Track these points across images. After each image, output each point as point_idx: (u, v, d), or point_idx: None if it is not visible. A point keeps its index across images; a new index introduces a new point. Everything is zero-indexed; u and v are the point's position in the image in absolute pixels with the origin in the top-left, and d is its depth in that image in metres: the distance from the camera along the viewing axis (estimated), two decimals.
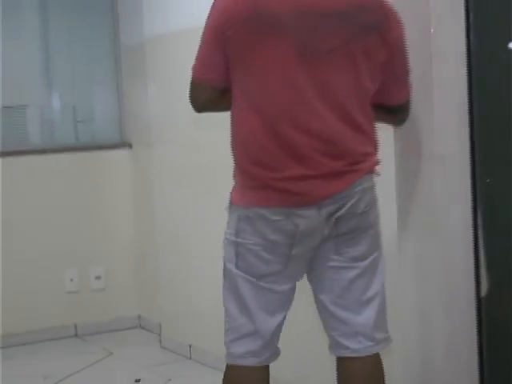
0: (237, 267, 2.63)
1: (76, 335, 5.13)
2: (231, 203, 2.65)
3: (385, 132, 2.95)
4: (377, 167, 2.64)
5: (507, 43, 2.38)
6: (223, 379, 2.70)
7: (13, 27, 5.22)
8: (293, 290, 2.68)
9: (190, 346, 4.43)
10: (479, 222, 2.33)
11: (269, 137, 2.53)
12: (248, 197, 2.60)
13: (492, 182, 2.42)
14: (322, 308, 2.71)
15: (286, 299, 2.67)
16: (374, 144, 2.64)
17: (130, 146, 5.24)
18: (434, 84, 2.87)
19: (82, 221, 5.16)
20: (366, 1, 2.57)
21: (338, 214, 2.58)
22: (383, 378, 2.73)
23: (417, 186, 3.04)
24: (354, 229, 2.61)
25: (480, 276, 2.34)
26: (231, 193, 2.65)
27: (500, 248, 2.37)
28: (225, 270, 2.67)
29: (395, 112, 2.75)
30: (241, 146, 2.61)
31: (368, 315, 2.66)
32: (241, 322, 2.66)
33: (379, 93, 2.62)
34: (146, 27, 4.66)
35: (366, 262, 2.64)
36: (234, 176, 2.63)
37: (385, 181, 2.94)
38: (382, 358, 2.82)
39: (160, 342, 4.78)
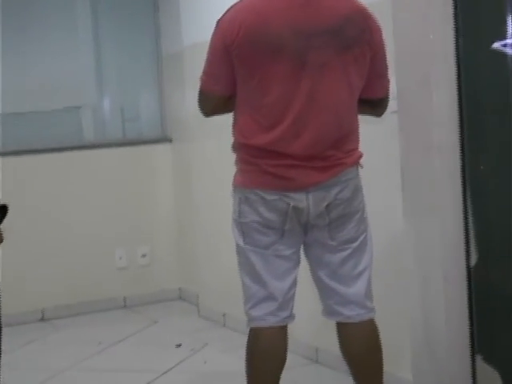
0: (245, 243, 2.73)
1: (125, 306, 5.32)
2: (234, 186, 2.76)
3: (390, 126, 3.13)
4: (360, 160, 2.73)
5: (491, 44, 2.41)
6: (247, 342, 2.77)
7: (68, 39, 5.42)
8: (296, 254, 2.76)
9: (224, 315, 4.62)
10: (468, 203, 2.37)
11: (266, 137, 2.64)
12: (248, 180, 2.71)
13: (483, 169, 2.45)
14: (319, 281, 2.84)
15: (292, 264, 2.75)
16: (357, 140, 2.74)
17: (171, 140, 5.45)
18: (431, 84, 2.98)
19: (129, 206, 5.34)
20: (350, 14, 2.62)
21: (328, 201, 2.68)
22: (378, 342, 2.84)
23: (417, 173, 3.14)
24: (343, 214, 2.71)
25: (470, 249, 2.41)
26: (234, 178, 2.76)
27: (486, 225, 2.40)
28: (237, 247, 2.77)
29: (377, 105, 2.84)
30: (243, 141, 2.72)
31: (359, 287, 2.77)
32: (256, 290, 2.74)
33: (365, 88, 2.71)
34: (184, 37, 4.80)
35: (355, 244, 2.75)
36: (236, 163, 2.76)
37: (392, 169, 3.21)
38: (391, 322, 3.00)
39: (198, 311, 4.96)
